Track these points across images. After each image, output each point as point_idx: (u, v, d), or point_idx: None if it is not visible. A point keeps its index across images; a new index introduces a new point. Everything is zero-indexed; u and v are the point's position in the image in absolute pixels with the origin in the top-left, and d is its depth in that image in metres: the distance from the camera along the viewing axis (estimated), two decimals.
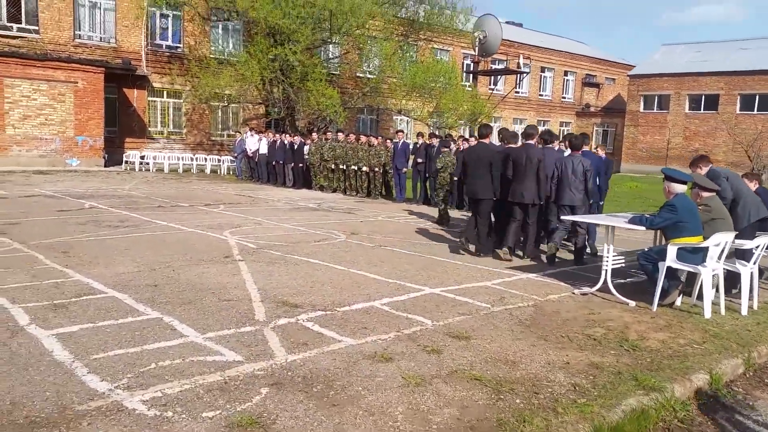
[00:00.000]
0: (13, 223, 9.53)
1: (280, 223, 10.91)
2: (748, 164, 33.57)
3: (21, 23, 22.05)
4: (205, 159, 24.40)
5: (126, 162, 22.74)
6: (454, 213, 12.72)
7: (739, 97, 34.41)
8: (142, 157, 22.93)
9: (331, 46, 25.83)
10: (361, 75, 27.49)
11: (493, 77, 33.83)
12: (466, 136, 19.42)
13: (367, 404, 3.47)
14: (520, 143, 8.52)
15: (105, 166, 21.69)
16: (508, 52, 33.63)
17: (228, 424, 3.15)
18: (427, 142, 15.15)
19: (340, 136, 18.05)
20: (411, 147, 16.14)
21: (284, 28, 20.46)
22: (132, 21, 23.81)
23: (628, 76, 40.22)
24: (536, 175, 7.81)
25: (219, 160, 24.49)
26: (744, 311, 5.84)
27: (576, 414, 3.40)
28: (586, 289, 6.47)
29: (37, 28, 22.20)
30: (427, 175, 14.96)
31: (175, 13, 24.84)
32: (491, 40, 25.75)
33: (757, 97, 33.75)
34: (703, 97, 35.87)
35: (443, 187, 12.14)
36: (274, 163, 19.52)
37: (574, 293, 6.42)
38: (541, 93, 40.97)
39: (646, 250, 6.29)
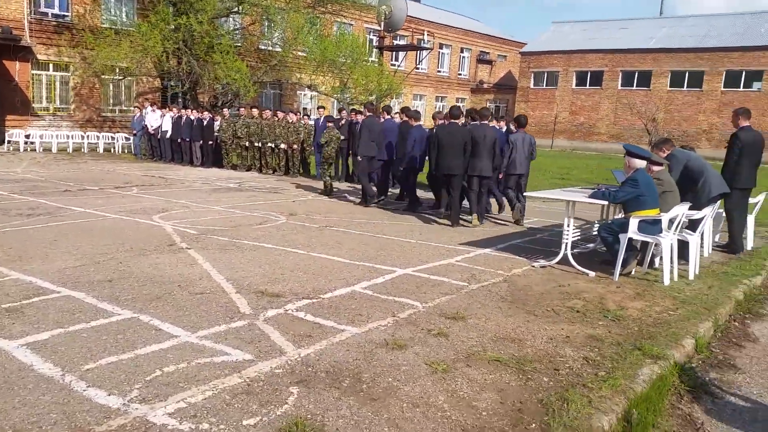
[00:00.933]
0: None
1: (209, 205, 10.37)
2: (629, 137, 36.41)
3: None
4: (97, 137, 22.59)
5: (8, 142, 20.55)
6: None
7: (621, 74, 36.97)
8: (27, 136, 20.83)
9: (233, 17, 24.69)
10: (263, 47, 26.53)
11: (394, 53, 34.02)
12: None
13: (407, 395, 3.38)
14: (462, 122, 9.09)
15: None
16: (409, 27, 33.88)
17: (277, 430, 2.95)
18: (351, 118, 14.94)
19: (255, 111, 17.41)
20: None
21: None
22: None
23: (519, 53, 41.90)
24: (491, 151, 8.39)
25: (112, 138, 22.78)
26: (691, 276, 6.32)
27: (608, 388, 3.51)
28: (544, 262, 6.71)
29: None
30: (350, 152, 14.79)
31: None
32: (396, 15, 25.83)
33: (637, 73, 36.44)
34: (589, 73, 38.19)
35: (328, 160, 12.35)
36: (179, 140, 18.47)
37: (533, 266, 6.63)
38: (440, 70, 41.74)
39: (608, 222, 6.61)
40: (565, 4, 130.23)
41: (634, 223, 5.95)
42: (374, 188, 11.32)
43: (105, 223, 8.31)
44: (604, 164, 23.50)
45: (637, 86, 36.44)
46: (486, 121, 9.08)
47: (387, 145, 11.34)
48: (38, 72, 22.81)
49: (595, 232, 7.14)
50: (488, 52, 45.42)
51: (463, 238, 8.19)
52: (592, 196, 6.28)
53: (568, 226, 6.40)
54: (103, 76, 23.31)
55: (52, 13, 22.88)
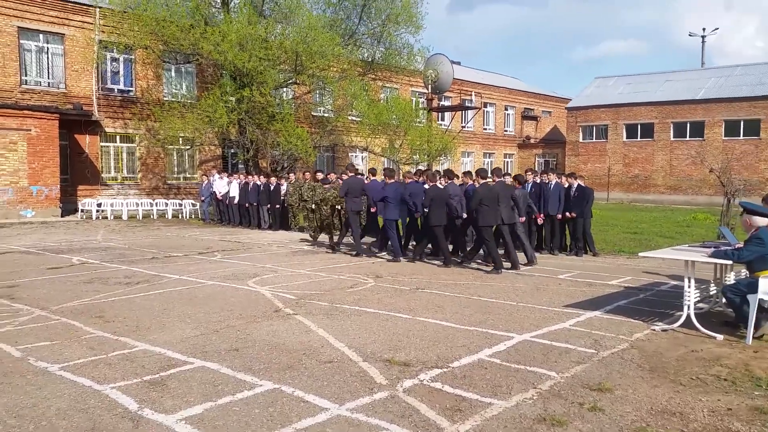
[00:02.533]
0: (11, 285, 8.66)
1: (294, 269, 10.48)
2: (685, 188, 35.67)
3: None
4: (166, 204, 23.38)
5: (81, 210, 21.43)
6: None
7: (672, 125, 36.59)
8: (99, 205, 21.68)
9: (287, 86, 25.68)
10: (316, 114, 27.39)
11: (440, 113, 34.61)
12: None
13: None
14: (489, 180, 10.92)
15: (61, 216, 20.33)
16: (453, 88, 34.52)
17: None
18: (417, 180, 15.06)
19: (319, 175, 17.76)
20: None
21: (251, 69, 20.10)
22: (82, 65, 22.77)
23: (566, 108, 42.07)
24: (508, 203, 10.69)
25: (180, 204, 23.53)
26: None
27: None
28: (664, 326, 6.47)
29: None
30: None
31: (126, 56, 23.96)
32: (443, 79, 26.45)
33: (688, 124, 36.00)
34: (639, 125, 37.92)
35: (325, 220, 13.68)
36: (247, 204, 18.93)
37: (654, 330, 6.39)
38: (485, 127, 42.16)
39: (734, 283, 6.37)
40: (593, 60, 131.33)
41: (764, 283, 5.71)
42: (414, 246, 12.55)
43: (205, 290, 8.45)
44: (670, 217, 22.95)
45: (690, 137, 35.93)
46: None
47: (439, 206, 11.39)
48: (106, 144, 23.98)
49: (713, 292, 6.88)
50: (532, 108, 45.76)
51: (562, 299, 8.01)
52: (713, 255, 6.08)
53: (689, 287, 6.18)
54: (168, 146, 24.34)
55: (117, 89, 24.26)
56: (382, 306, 7.44)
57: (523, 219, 11.66)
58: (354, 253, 12.47)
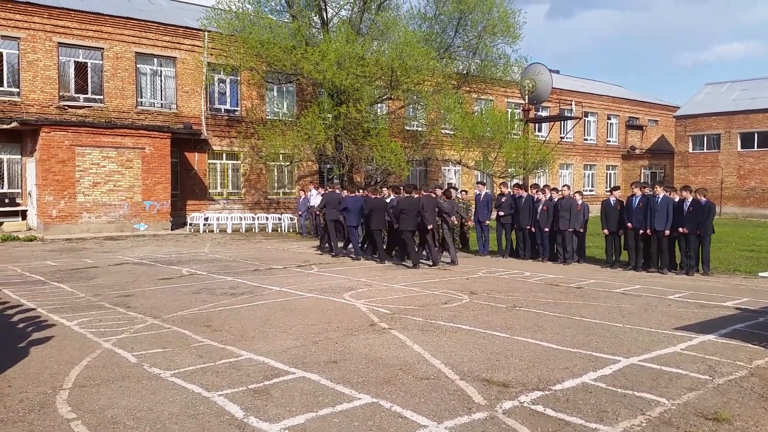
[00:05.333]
0: (127, 295, 9.32)
1: (388, 283, 10.55)
2: None
3: (87, 93, 22.62)
4: (266, 218, 24.36)
5: (190, 224, 22.77)
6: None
7: None
8: (206, 219, 22.95)
9: (381, 102, 26.05)
10: (409, 128, 27.58)
11: (537, 124, 33.83)
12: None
13: None
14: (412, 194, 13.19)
15: (171, 230, 21.71)
16: (551, 98, 33.63)
17: None
18: (514, 192, 14.81)
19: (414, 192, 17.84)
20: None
21: (348, 87, 20.61)
22: (192, 87, 24.32)
23: (674, 117, 39.83)
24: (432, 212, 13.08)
25: (279, 218, 24.44)
26: None
27: None
28: None
29: (102, 97, 22.72)
30: (515, 226, 14.57)
31: (232, 78, 25.33)
32: (541, 88, 25.91)
33: None
34: (756, 134, 35.22)
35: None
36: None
37: None
38: (586, 137, 40.68)
39: None
40: (703, 65, 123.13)
41: None
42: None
43: (304, 302, 8.70)
44: None
45: None
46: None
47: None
48: (213, 161, 25.37)
49: None
50: (637, 117, 43.66)
51: (671, 321, 7.53)
52: None
53: None
54: (269, 163, 25.42)
55: (224, 109, 25.64)
56: (478, 323, 7.33)
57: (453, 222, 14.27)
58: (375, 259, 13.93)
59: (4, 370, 5.32)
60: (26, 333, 6.76)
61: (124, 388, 4.88)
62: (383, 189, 15.46)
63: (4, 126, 20.13)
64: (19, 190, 21.52)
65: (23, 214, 21.14)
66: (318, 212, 16.06)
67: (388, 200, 14.21)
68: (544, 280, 11.00)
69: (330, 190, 15.14)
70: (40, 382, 5.01)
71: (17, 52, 20.99)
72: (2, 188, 21.26)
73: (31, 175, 20.78)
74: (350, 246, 14.93)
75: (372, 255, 14.28)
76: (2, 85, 20.87)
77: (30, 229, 20.40)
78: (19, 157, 21.52)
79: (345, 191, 16.41)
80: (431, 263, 13.16)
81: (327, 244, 15.43)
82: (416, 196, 13.20)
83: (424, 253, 13.55)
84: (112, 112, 22.69)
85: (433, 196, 13.89)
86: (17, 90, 21.06)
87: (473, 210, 16.00)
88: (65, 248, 16.34)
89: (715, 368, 5.48)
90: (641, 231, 12.12)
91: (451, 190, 15.51)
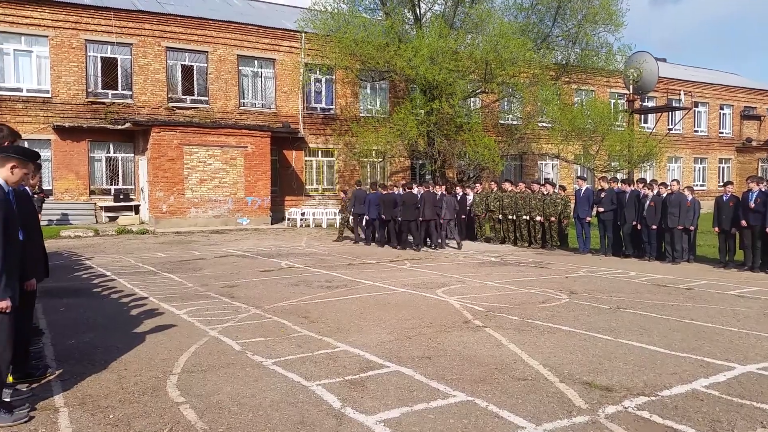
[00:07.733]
0: (231, 285, 9.77)
1: (482, 280, 10.39)
2: None
3: (193, 95, 23.95)
4: None
5: (288, 219, 23.58)
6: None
7: None
8: (303, 214, 23.66)
9: (475, 96, 25.70)
10: (503, 122, 27.02)
11: (642, 116, 32.08)
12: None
13: None
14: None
15: (271, 224, 22.58)
16: (658, 88, 31.76)
17: None
18: (615, 187, 14.13)
19: (506, 185, 17.48)
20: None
21: (441, 82, 20.50)
22: (290, 87, 25.12)
23: None
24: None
25: None
26: None
27: None
28: None
29: (207, 98, 23.98)
30: (618, 223, 13.89)
31: (327, 77, 25.92)
32: (647, 78, 24.44)
33: None
34: None
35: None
36: None
37: None
38: (696, 129, 38.12)
39: None
40: None
41: None
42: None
43: (397, 297, 8.75)
44: None
45: None
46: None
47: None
48: (309, 158, 26.10)
49: None
50: (754, 107, 40.35)
51: None
52: None
53: None
54: (363, 159, 25.80)
55: (320, 108, 26.28)
56: (578, 324, 7.05)
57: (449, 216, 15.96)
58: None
59: (121, 354, 5.74)
60: (140, 320, 7.25)
61: (228, 375, 5.12)
62: (393, 186, 17.45)
63: (119, 126, 21.73)
64: (132, 187, 23.16)
65: (136, 209, 22.72)
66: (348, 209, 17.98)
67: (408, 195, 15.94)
68: (651, 281, 10.42)
69: (358, 188, 17.72)
70: (153, 367, 5.35)
71: (130, 57, 22.59)
72: (117, 185, 22.98)
73: (143, 172, 22.29)
74: (409, 238, 16.26)
75: (388, 243, 16.38)
76: (117, 89, 22.55)
77: (142, 222, 21.89)
78: (132, 155, 23.15)
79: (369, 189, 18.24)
80: (456, 246, 15.69)
81: (359, 235, 17.40)
82: (415, 191, 15.81)
83: (433, 240, 15.87)
84: (216, 112, 23.90)
85: (432, 192, 15.99)
86: (130, 93, 22.67)
87: (572, 206, 15.44)
88: (174, 241, 17.41)
89: None
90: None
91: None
